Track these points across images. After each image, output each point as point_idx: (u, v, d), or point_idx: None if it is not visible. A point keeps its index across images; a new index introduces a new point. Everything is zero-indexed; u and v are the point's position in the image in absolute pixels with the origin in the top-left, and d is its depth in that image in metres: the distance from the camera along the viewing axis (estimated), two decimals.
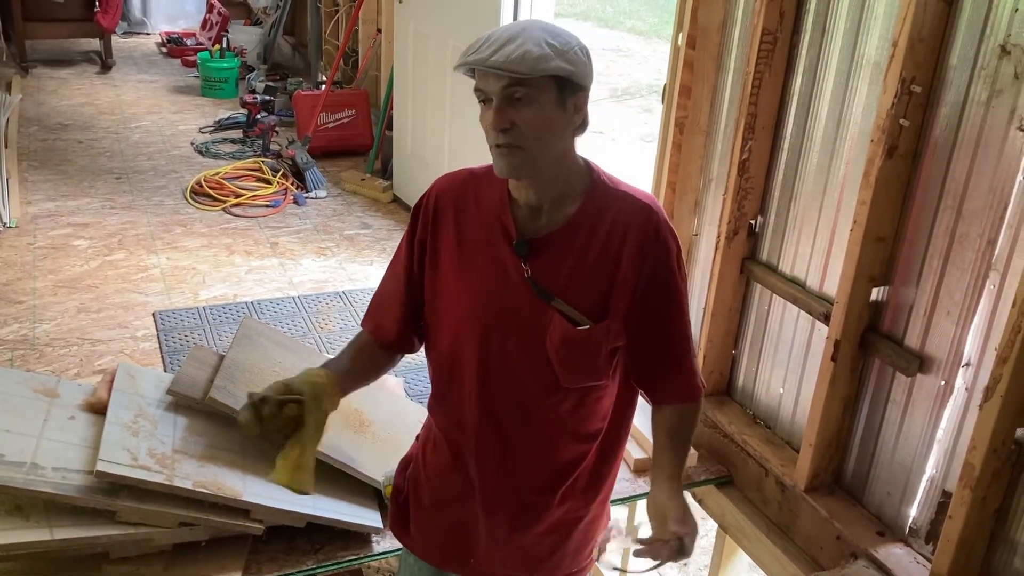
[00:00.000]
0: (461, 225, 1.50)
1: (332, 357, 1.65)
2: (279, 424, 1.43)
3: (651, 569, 1.47)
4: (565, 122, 1.37)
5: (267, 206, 4.75)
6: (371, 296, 1.67)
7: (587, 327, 1.44)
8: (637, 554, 1.44)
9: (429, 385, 1.67)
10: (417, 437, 1.74)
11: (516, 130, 1.33)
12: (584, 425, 1.56)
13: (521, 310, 1.46)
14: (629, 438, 2.62)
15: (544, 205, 1.44)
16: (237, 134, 5.84)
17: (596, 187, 1.46)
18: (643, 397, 1.63)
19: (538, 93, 1.32)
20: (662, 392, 1.58)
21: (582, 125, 1.41)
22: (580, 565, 1.69)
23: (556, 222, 1.45)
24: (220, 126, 5.99)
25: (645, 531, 1.78)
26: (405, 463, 1.75)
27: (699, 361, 2.63)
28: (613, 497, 2.46)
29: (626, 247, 1.44)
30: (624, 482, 2.52)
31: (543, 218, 1.45)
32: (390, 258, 1.63)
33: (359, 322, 1.69)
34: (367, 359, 1.64)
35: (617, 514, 3.30)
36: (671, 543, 1.42)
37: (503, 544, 1.61)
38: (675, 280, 1.49)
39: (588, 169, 1.48)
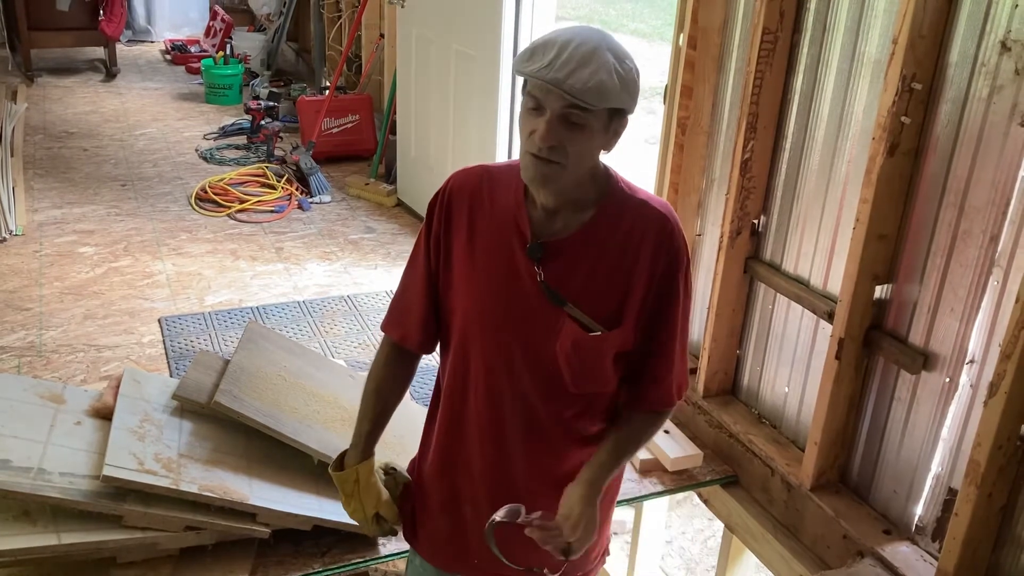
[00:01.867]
0: (474, 223, 1.49)
1: (360, 419, 1.67)
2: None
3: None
4: (604, 144, 1.39)
5: (272, 211, 4.76)
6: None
7: (599, 333, 1.44)
8: (529, 531, 1.43)
9: (433, 386, 1.67)
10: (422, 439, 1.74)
11: (562, 149, 1.33)
12: (588, 429, 1.55)
13: (532, 314, 1.46)
14: None
15: (562, 208, 1.44)
16: (241, 140, 5.86)
17: (613, 193, 1.46)
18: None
19: (593, 120, 1.32)
20: (636, 398, 1.56)
21: (613, 146, 1.42)
22: (587, 568, 1.68)
23: (572, 226, 1.44)
24: (224, 132, 6.01)
25: None
26: (411, 466, 1.75)
27: (700, 367, 2.63)
28: (620, 499, 2.48)
29: (641, 255, 1.44)
30: (630, 483, 2.52)
31: (559, 222, 1.45)
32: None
33: (374, 327, 1.68)
34: (393, 387, 1.65)
35: (623, 515, 3.31)
36: (559, 542, 1.44)
37: (510, 546, 1.60)
38: (678, 292, 1.48)
39: (607, 174, 1.47)
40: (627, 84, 1.33)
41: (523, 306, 1.46)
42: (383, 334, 1.67)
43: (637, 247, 1.44)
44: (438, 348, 1.64)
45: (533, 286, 1.45)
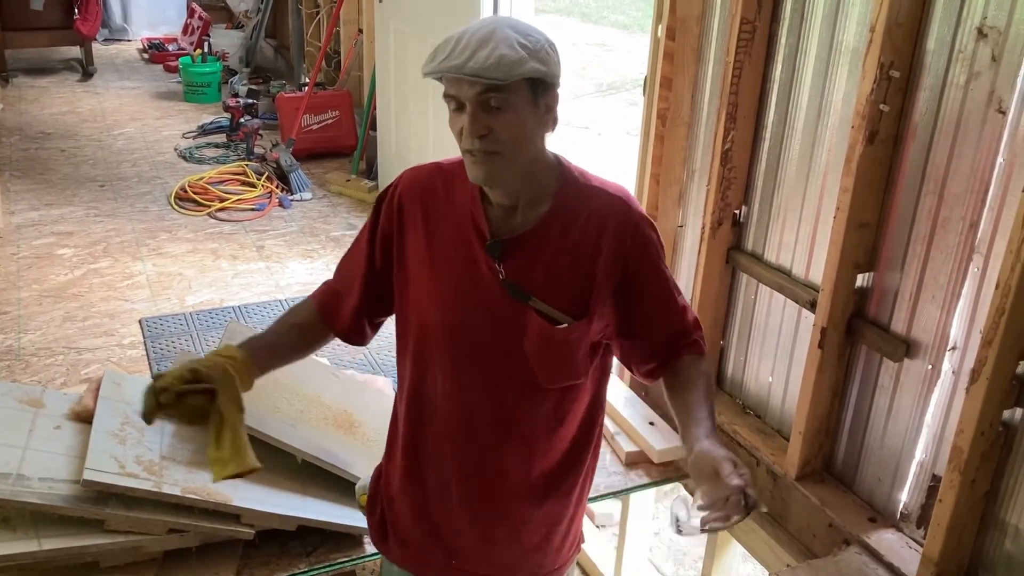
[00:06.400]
0: (430, 222, 1.46)
1: (260, 331, 1.61)
2: (182, 412, 1.39)
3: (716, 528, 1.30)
4: (539, 123, 1.36)
5: (252, 210, 4.74)
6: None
7: (566, 325, 1.42)
8: (705, 521, 1.28)
9: (395, 394, 1.62)
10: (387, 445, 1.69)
11: (493, 136, 1.31)
12: (563, 425, 1.53)
13: (496, 312, 1.43)
14: (620, 432, 2.63)
15: (518, 205, 1.42)
16: (221, 138, 5.82)
17: (567, 183, 1.44)
18: (641, 378, 1.58)
19: (513, 97, 1.30)
20: (676, 356, 1.53)
21: (554, 123, 1.39)
22: (562, 561, 1.67)
23: (530, 221, 1.42)
24: (203, 131, 5.97)
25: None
26: (378, 472, 1.71)
27: None
28: (607, 491, 2.49)
29: (604, 243, 1.42)
30: (617, 476, 2.53)
31: (518, 217, 1.43)
32: None
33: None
34: (303, 338, 1.62)
35: (610, 508, 3.31)
36: (737, 498, 1.26)
37: (485, 546, 1.58)
38: (661, 264, 1.49)
39: (559, 164, 1.45)
40: (535, 53, 1.30)
41: (488, 306, 1.43)
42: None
43: (598, 235, 1.42)
44: (396, 355, 1.59)
45: (495, 285, 1.42)
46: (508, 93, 1.29)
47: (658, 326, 1.52)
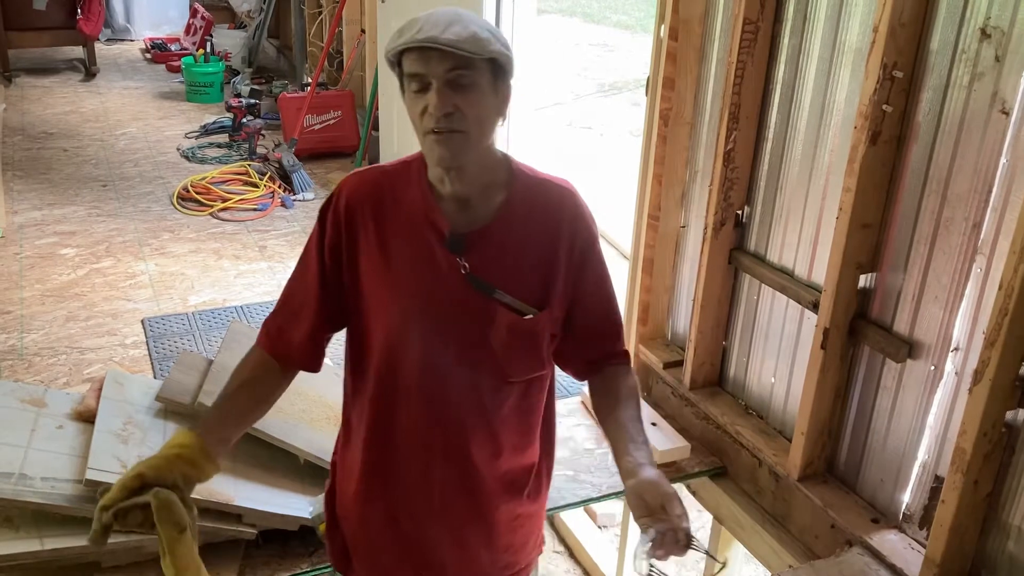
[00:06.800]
0: (382, 226, 1.43)
1: (210, 405, 1.47)
2: (136, 524, 1.28)
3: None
4: (497, 109, 1.37)
5: (254, 209, 4.74)
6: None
7: (532, 316, 1.42)
8: (655, 555, 1.31)
9: (342, 413, 1.57)
10: (333, 464, 1.64)
11: (459, 114, 1.31)
12: (527, 420, 1.53)
13: (460, 307, 1.42)
14: None
15: (472, 196, 1.41)
16: (223, 138, 5.83)
17: (517, 175, 1.45)
18: (570, 374, 1.59)
19: (479, 77, 1.31)
20: (606, 359, 1.55)
21: (504, 117, 1.40)
22: (527, 560, 1.67)
23: (488, 213, 1.42)
24: (206, 131, 5.98)
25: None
26: (331, 497, 1.65)
27: (687, 359, 2.66)
28: (609, 491, 2.49)
29: (560, 233, 1.43)
30: (618, 476, 2.51)
31: (473, 210, 1.42)
32: None
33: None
34: (258, 392, 1.49)
35: (612, 508, 3.31)
36: (679, 535, 1.30)
37: (458, 551, 1.56)
38: (600, 260, 1.51)
39: (506, 158, 1.46)
40: (498, 37, 1.33)
41: (451, 303, 1.42)
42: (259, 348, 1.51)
43: (555, 226, 1.43)
44: (348, 369, 1.53)
45: (458, 280, 1.41)
46: (475, 72, 1.30)
47: (597, 323, 1.53)
